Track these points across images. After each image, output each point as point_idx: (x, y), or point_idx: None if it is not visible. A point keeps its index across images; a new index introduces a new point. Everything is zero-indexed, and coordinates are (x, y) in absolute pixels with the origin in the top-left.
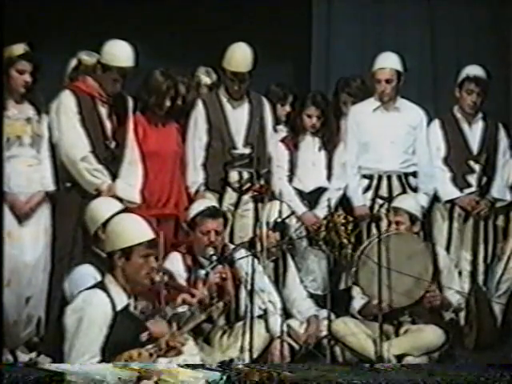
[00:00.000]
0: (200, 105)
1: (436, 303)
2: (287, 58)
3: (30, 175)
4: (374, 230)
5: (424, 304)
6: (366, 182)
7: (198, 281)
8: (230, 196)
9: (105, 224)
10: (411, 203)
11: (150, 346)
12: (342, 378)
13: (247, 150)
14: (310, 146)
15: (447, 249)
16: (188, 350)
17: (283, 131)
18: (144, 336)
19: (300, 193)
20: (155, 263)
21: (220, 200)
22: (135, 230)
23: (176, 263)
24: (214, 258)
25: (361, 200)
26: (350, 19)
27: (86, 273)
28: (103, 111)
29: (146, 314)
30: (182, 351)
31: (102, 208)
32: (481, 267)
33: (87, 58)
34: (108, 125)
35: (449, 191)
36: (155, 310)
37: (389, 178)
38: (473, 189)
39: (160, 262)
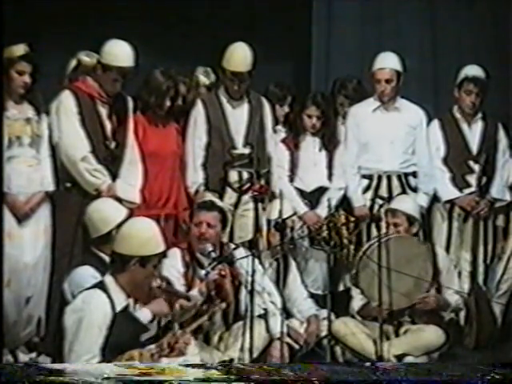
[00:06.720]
0: (200, 105)
1: (430, 306)
2: (287, 58)
3: (30, 175)
4: (373, 230)
5: (418, 306)
6: (365, 182)
7: (197, 280)
8: (230, 196)
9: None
10: (409, 204)
11: (151, 347)
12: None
13: (247, 150)
14: (311, 146)
15: (447, 249)
16: (188, 349)
17: (282, 131)
18: (146, 317)
19: (301, 192)
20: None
21: (220, 200)
22: (157, 240)
23: (174, 258)
24: (213, 254)
25: (360, 200)
26: (350, 19)
27: (86, 273)
28: (103, 111)
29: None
30: (184, 352)
31: (113, 210)
32: (481, 267)
33: (86, 58)
34: (108, 125)
35: (448, 191)
36: None
37: (388, 178)
38: (472, 189)
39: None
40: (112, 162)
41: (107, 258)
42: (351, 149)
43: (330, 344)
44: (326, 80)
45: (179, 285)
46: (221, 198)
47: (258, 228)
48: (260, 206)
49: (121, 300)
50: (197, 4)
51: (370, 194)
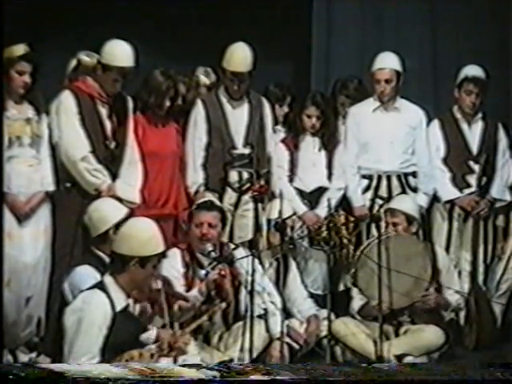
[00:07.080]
0: (200, 105)
1: (430, 304)
2: (287, 58)
3: (30, 175)
4: (373, 230)
5: (419, 305)
6: (365, 182)
7: (197, 280)
8: (230, 196)
9: (117, 225)
10: (408, 204)
11: (151, 347)
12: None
13: (247, 150)
14: (310, 146)
15: (447, 249)
16: (188, 349)
17: (281, 131)
18: (150, 339)
19: (301, 193)
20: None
21: (220, 200)
22: (156, 240)
23: (174, 258)
24: (213, 254)
25: (360, 200)
26: (350, 19)
27: (86, 273)
28: (103, 111)
29: (145, 317)
30: (184, 352)
31: (112, 209)
32: (480, 267)
33: (86, 58)
34: (108, 125)
35: (448, 191)
36: (153, 312)
37: (388, 178)
38: (472, 189)
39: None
40: (112, 161)
41: (107, 258)
42: (351, 149)
43: (330, 344)
44: (326, 80)
45: (179, 285)
46: (221, 198)
47: (257, 228)
48: (260, 206)
49: (121, 300)
50: (197, 4)
51: (369, 194)
